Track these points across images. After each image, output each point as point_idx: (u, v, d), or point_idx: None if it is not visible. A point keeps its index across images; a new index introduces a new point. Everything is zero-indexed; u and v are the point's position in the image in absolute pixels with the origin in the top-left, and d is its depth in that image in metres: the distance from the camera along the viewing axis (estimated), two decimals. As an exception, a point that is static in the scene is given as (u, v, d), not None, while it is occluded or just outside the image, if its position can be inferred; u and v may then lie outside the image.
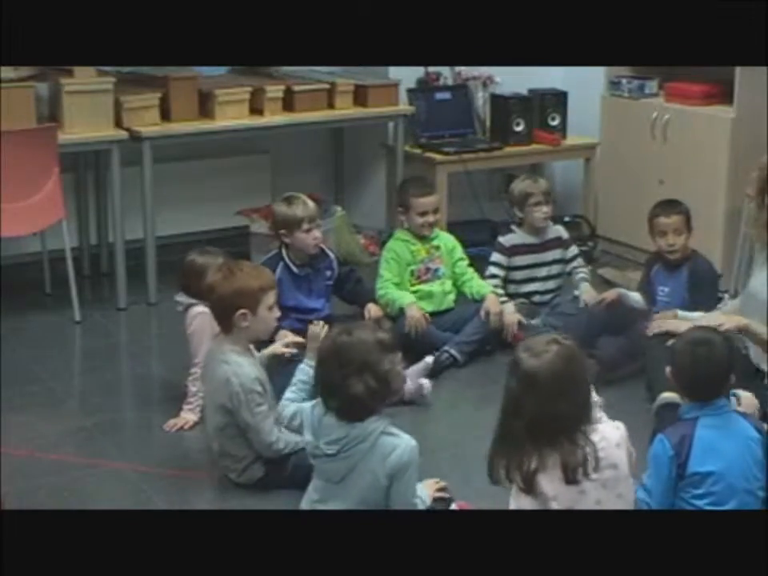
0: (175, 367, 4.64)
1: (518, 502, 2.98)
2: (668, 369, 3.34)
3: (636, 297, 5.02)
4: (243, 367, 3.77)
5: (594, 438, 2.96)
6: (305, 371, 3.63)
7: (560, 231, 5.41)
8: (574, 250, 5.43)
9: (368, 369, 3.18)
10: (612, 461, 2.98)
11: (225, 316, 3.83)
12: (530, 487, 2.93)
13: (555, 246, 5.35)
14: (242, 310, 3.79)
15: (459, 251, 5.25)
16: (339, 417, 3.24)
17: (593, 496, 2.95)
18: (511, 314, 5.07)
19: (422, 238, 5.15)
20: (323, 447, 3.27)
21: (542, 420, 2.92)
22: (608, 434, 3.01)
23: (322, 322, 3.80)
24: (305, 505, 3.43)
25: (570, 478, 2.91)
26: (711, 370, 3.23)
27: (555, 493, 2.93)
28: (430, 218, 5.12)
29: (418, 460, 3.26)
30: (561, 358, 2.95)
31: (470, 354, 4.93)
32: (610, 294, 5.07)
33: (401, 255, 5.12)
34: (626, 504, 3.00)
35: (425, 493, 3.43)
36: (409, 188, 5.22)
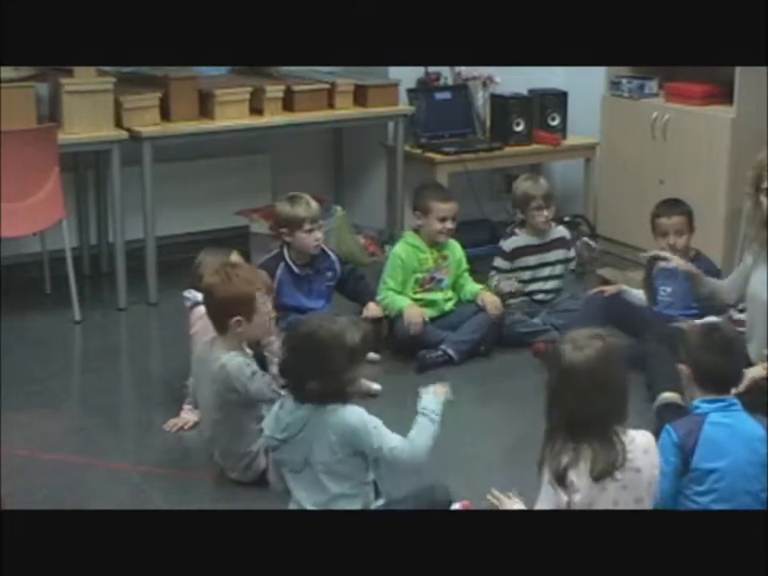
0: (175, 367, 4.63)
1: (548, 486, 3.00)
2: (680, 366, 3.33)
3: (639, 294, 5.03)
4: (232, 356, 3.80)
5: (625, 439, 2.98)
6: None
7: (563, 232, 5.41)
8: (572, 252, 5.44)
9: (328, 376, 3.24)
10: (636, 465, 2.99)
11: (220, 320, 3.84)
12: (561, 479, 2.95)
13: (558, 247, 5.35)
14: (237, 317, 3.80)
15: (464, 262, 5.23)
16: (295, 397, 3.30)
17: (612, 496, 2.96)
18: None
19: (433, 245, 5.11)
20: (276, 435, 3.32)
21: (579, 413, 2.94)
22: (638, 438, 3.03)
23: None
24: (291, 502, 3.44)
25: (597, 475, 2.93)
26: (726, 358, 3.23)
27: (580, 486, 2.94)
28: (449, 225, 5.05)
29: (369, 420, 3.27)
30: (602, 353, 2.97)
31: (467, 353, 4.93)
32: (611, 288, 5.10)
33: (407, 263, 5.06)
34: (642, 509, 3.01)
35: (433, 402, 3.40)
36: (430, 192, 5.15)
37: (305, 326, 3.35)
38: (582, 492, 2.94)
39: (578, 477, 2.94)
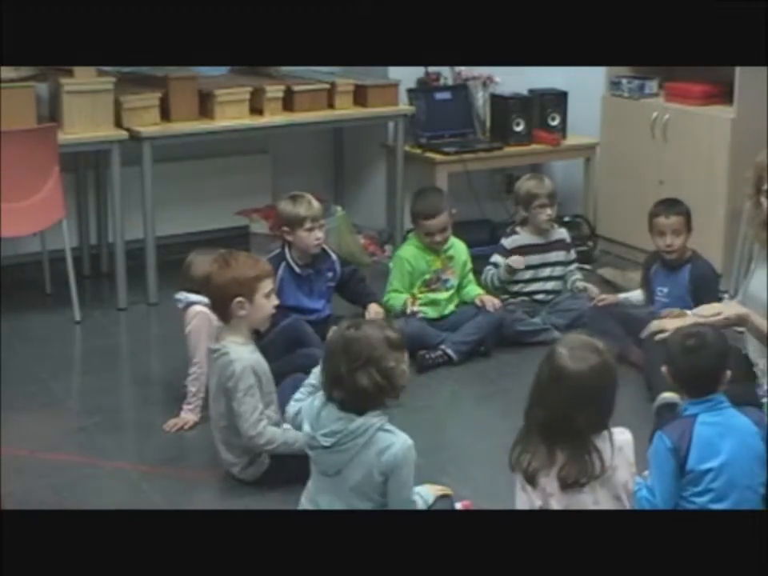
0: (175, 367, 4.64)
1: (522, 493, 3.01)
2: (663, 367, 3.34)
3: (638, 297, 5.02)
4: (242, 354, 3.80)
5: (600, 442, 2.98)
6: (317, 376, 3.61)
7: (564, 234, 5.42)
8: (572, 254, 5.44)
9: (373, 364, 3.19)
10: (612, 463, 2.99)
11: (222, 305, 3.86)
12: (531, 479, 2.96)
13: (559, 248, 5.36)
14: (239, 298, 3.81)
15: (469, 263, 5.24)
16: (342, 408, 3.24)
17: (590, 497, 2.97)
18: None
19: (434, 251, 5.14)
20: (320, 439, 3.28)
21: (560, 419, 2.94)
22: (615, 436, 3.02)
23: None
24: (304, 498, 3.43)
25: (563, 484, 2.95)
26: (702, 364, 3.22)
27: (553, 491, 2.96)
28: (437, 238, 5.06)
29: (414, 458, 3.25)
30: (597, 368, 2.96)
31: (467, 353, 4.93)
32: (609, 298, 5.10)
33: (415, 266, 5.09)
34: (621, 507, 3.01)
35: (426, 491, 3.42)
36: (418, 205, 5.14)
37: (336, 332, 3.32)
38: (557, 496, 2.96)
39: (550, 482, 2.95)
